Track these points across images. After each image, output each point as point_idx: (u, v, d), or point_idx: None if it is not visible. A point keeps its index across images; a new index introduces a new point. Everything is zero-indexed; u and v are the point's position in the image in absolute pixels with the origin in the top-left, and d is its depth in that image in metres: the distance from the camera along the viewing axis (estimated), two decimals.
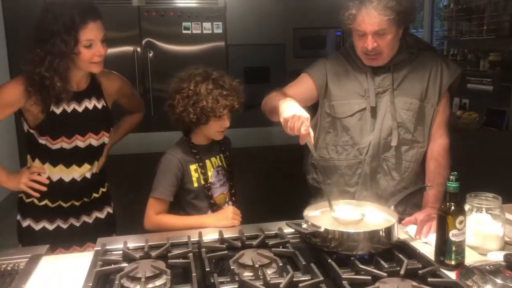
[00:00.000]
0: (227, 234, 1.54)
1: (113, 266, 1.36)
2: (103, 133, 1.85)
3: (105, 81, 1.90)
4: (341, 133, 1.87)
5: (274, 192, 2.81)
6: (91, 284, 1.22)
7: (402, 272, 1.24)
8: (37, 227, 1.82)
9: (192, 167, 1.74)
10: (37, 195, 1.81)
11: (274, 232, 1.57)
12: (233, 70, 5.00)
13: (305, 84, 1.91)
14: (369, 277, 1.22)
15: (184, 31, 4.64)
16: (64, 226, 1.85)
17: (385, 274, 1.23)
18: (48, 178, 1.81)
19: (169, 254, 1.40)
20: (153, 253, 1.40)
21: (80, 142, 1.79)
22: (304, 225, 1.44)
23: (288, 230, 1.53)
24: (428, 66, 1.85)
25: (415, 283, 1.19)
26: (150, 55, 4.59)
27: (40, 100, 1.70)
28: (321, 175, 1.85)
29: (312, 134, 1.56)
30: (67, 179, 1.82)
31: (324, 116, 1.90)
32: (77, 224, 1.87)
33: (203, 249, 1.41)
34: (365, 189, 1.84)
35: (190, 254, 1.38)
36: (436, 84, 1.83)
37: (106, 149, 1.96)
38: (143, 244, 1.46)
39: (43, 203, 1.82)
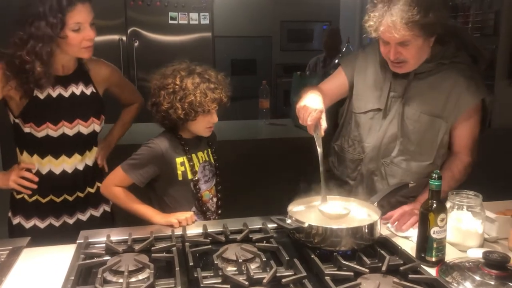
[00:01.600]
0: (211, 229, 1.54)
1: (95, 259, 1.35)
2: (92, 120, 1.79)
3: (93, 68, 1.84)
4: (354, 127, 1.89)
5: (259, 186, 2.81)
6: (73, 278, 1.21)
7: (383, 268, 1.26)
8: (28, 225, 1.78)
9: (179, 160, 1.69)
10: (28, 192, 1.76)
11: (258, 227, 1.57)
12: (220, 62, 4.97)
13: (338, 78, 1.93)
14: (351, 273, 1.24)
15: (170, 21, 4.58)
16: (57, 224, 1.80)
17: (367, 270, 1.25)
18: (38, 171, 1.76)
19: (152, 248, 1.39)
20: (137, 247, 1.39)
21: (67, 129, 1.74)
22: (288, 221, 1.44)
23: (272, 225, 1.54)
24: (452, 82, 1.72)
25: (396, 279, 1.20)
26: (136, 44, 4.52)
27: (19, 85, 1.64)
28: (321, 163, 1.67)
29: (324, 126, 1.58)
30: (57, 171, 1.76)
31: (349, 107, 1.92)
32: (70, 222, 1.82)
33: (187, 243, 1.41)
34: (361, 187, 1.86)
35: (174, 248, 1.38)
36: (455, 103, 1.72)
37: (108, 144, 1.92)
38: (126, 237, 1.46)
39: (33, 198, 1.78)
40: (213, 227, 1.57)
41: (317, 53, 5.71)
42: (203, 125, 1.69)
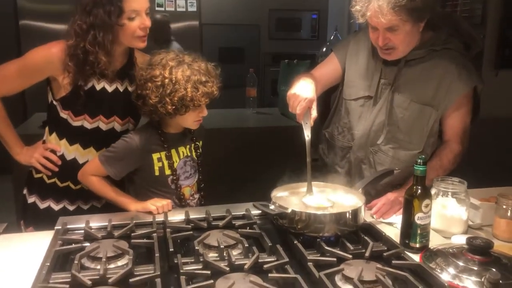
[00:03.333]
0: (193, 215, 1.52)
1: (73, 245, 1.32)
2: (129, 119, 1.75)
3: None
4: (344, 114, 1.87)
5: (244, 174, 2.79)
6: (49, 264, 1.17)
7: (367, 254, 1.25)
8: (43, 205, 1.74)
9: (155, 155, 1.64)
10: (48, 173, 1.72)
11: (241, 213, 1.55)
12: (207, 50, 4.92)
13: (331, 64, 1.90)
14: (334, 259, 1.22)
15: (157, 8, 4.52)
16: (71, 208, 1.76)
17: (350, 256, 1.23)
18: (62, 155, 1.72)
19: (132, 234, 1.36)
20: (116, 233, 1.36)
21: (103, 124, 1.69)
22: (272, 206, 1.42)
23: (255, 211, 1.52)
24: (443, 69, 1.70)
25: (379, 265, 1.19)
26: None
27: (80, 75, 1.59)
28: (308, 153, 1.63)
29: (313, 115, 1.55)
30: (81, 160, 1.71)
31: (341, 94, 1.90)
32: (85, 208, 1.78)
33: (168, 230, 1.38)
34: (350, 175, 1.84)
35: (154, 234, 1.35)
36: (446, 91, 1.70)
37: None
38: (106, 223, 1.42)
39: (51, 181, 1.74)
40: (196, 213, 1.54)
41: (305, 42, 5.70)
42: (192, 119, 1.63)
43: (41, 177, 1.75)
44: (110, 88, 1.68)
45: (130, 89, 1.72)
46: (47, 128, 1.77)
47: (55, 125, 1.73)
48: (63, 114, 1.67)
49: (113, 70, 1.67)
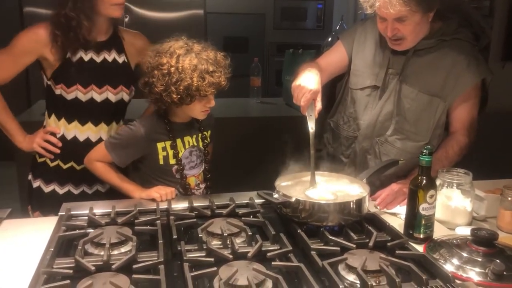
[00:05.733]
0: (197, 203, 1.51)
1: (77, 231, 1.32)
2: (121, 88, 1.77)
3: (128, 38, 1.83)
4: (350, 104, 1.85)
5: (249, 163, 2.79)
6: (52, 249, 1.18)
7: (371, 244, 1.24)
8: (47, 189, 1.77)
9: (160, 145, 1.62)
10: (51, 156, 1.76)
11: (245, 202, 1.55)
12: (212, 39, 4.89)
13: (337, 52, 1.88)
14: (338, 248, 1.22)
15: None
16: (75, 192, 1.78)
17: (354, 246, 1.23)
18: (63, 136, 1.75)
19: (136, 221, 1.36)
20: (120, 220, 1.36)
21: (96, 94, 1.72)
22: (275, 195, 1.42)
23: (259, 200, 1.51)
24: (452, 60, 1.67)
25: (383, 255, 1.19)
26: (126, 19, 4.43)
27: (67, 44, 1.66)
28: (312, 145, 1.60)
29: (318, 107, 1.54)
30: (81, 138, 1.75)
31: (347, 83, 1.88)
32: (89, 192, 1.80)
33: (172, 217, 1.38)
34: (354, 165, 1.82)
35: (158, 222, 1.35)
36: (454, 82, 1.67)
37: None
38: (110, 210, 1.43)
39: (55, 163, 1.77)
40: (199, 201, 1.54)
41: (310, 32, 5.66)
42: (198, 109, 1.60)
43: (44, 160, 1.77)
44: (98, 59, 1.74)
45: (118, 59, 1.77)
46: (46, 112, 1.80)
47: (52, 106, 1.77)
48: (57, 90, 1.71)
49: (98, 41, 1.72)
